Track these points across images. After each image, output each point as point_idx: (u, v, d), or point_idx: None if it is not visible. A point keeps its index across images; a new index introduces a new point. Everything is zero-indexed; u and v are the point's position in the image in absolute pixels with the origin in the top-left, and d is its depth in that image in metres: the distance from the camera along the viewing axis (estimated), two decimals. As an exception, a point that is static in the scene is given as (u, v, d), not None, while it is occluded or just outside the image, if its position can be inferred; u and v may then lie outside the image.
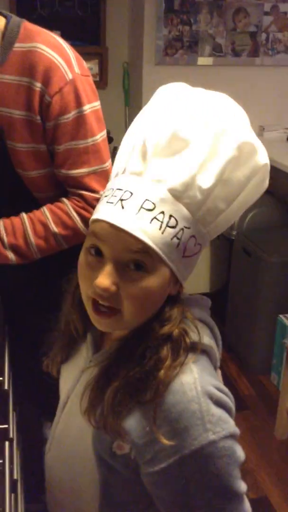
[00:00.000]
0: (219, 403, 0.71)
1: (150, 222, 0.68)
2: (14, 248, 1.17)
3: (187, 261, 0.72)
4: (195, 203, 0.70)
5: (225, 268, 2.81)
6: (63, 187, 1.25)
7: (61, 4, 2.60)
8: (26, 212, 1.24)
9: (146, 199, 0.68)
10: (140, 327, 0.75)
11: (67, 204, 1.20)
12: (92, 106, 1.17)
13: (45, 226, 1.18)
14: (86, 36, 2.68)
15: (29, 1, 2.57)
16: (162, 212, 0.68)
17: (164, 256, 0.69)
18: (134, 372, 0.72)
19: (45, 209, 1.19)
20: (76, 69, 1.14)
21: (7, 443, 1.09)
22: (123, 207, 0.68)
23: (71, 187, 1.21)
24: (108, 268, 0.69)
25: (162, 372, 0.70)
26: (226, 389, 0.75)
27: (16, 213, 1.26)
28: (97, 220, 0.71)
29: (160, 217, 0.68)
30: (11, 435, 1.18)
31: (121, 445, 0.75)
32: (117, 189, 0.71)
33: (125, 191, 0.70)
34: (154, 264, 0.69)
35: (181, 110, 0.72)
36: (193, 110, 0.72)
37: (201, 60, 2.69)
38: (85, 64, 1.21)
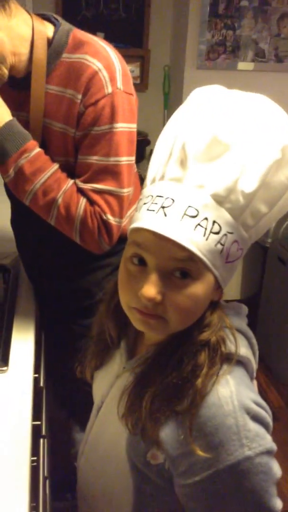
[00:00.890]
0: (256, 418, 0.70)
1: (195, 229, 0.66)
2: (20, 173, 1.12)
3: (229, 266, 0.71)
4: (238, 208, 0.68)
5: (258, 276, 2.78)
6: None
7: (106, 6, 2.62)
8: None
9: (189, 206, 0.66)
10: (177, 333, 0.74)
11: (82, 201, 1.14)
12: (126, 126, 1.12)
13: (56, 189, 1.13)
14: (129, 38, 2.69)
15: (75, 2, 2.59)
16: (206, 218, 0.66)
17: (209, 263, 0.67)
18: (172, 377, 0.71)
19: (70, 183, 1.14)
20: (119, 84, 1.10)
21: (41, 440, 1.09)
22: (165, 215, 0.67)
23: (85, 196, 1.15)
24: (153, 277, 0.68)
25: (199, 380, 0.69)
26: (264, 403, 0.73)
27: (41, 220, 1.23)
28: (139, 229, 0.69)
29: (203, 223, 0.66)
30: (43, 432, 1.18)
31: (156, 455, 0.74)
32: (157, 196, 0.69)
33: (166, 198, 0.68)
34: (199, 271, 0.68)
35: (220, 112, 0.69)
36: (232, 113, 0.69)
37: (242, 65, 2.67)
38: (131, 83, 1.15)
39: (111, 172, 1.12)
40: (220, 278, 0.70)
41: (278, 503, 0.71)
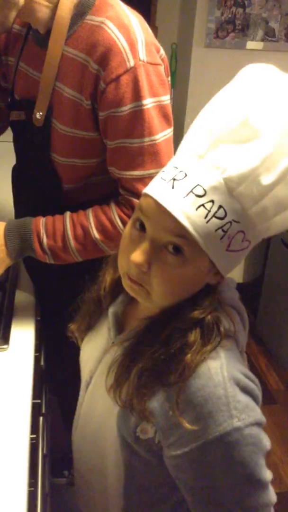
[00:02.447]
0: (246, 390, 0.70)
1: (196, 209, 0.65)
2: (53, 250, 1.14)
3: (231, 255, 0.69)
4: (251, 198, 0.66)
5: (261, 259, 2.77)
6: (91, 181, 1.19)
7: (114, -19, 2.56)
8: (50, 199, 1.20)
9: (198, 184, 0.65)
10: (169, 309, 0.74)
11: (114, 211, 1.11)
12: (156, 100, 1.03)
13: (86, 230, 1.12)
14: (136, 14, 2.63)
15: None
16: (212, 201, 0.65)
17: (203, 245, 0.66)
18: (159, 353, 0.71)
19: (90, 213, 1.13)
20: (142, 55, 1.00)
21: (41, 418, 1.10)
22: (173, 187, 0.66)
23: (123, 189, 1.12)
24: (145, 245, 0.69)
25: (188, 356, 0.69)
26: (253, 376, 0.74)
27: (41, 198, 1.22)
28: (146, 195, 0.70)
29: (208, 205, 0.65)
30: (43, 411, 1.19)
31: (146, 429, 0.75)
32: (174, 167, 0.69)
33: (180, 171, 0.67)
34: (193, 251, 0.67)
35: (260, 96, 0.66)
36: (272, 98, 0.65)
37: (251, 44, 2.61)
38: (159, 52, 1.08)
39: (149, 154, 1.05)
40: (219, 265, 0.69)
41: (268, 474, 0.72)
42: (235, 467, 0.68)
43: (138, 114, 1.02)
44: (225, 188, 0.65)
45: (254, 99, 0.66)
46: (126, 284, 0.74)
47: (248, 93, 0.67)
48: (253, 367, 2.48)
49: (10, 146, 1.30)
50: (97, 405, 0.85)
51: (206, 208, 0.65)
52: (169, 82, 1.12)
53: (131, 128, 1.03)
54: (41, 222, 1.14)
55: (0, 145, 1.57)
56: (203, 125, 0.69)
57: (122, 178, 1.10)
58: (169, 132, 1.09)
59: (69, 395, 1.03)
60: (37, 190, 1.24)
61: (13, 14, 1.00)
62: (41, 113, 1.09)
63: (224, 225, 0.66)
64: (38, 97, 1.09)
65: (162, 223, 0.67)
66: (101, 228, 1.12)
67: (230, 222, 0.66)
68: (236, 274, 3.01)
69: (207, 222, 0.65)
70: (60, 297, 1.36)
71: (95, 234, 1.12)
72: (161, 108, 1.05)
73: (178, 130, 2.40)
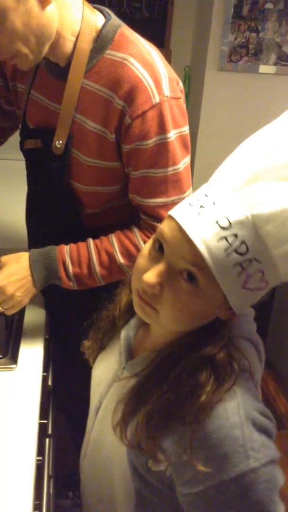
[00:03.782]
0: (261, 429, 0.69)
1: (218, 241, 0.63)
2: (78, 277, 1.15)
3: (246, 293, 0.67)
4: (276, 240, 0.63)
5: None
6: (111, 205, 1.20)
7: (129, 5, 2.62)
8: (67, 223, 1.21)
9: (224, 216, 0.64)
10: (179, 343, 0.73)
11: (137, 236, 1.14)
12: (178, 131, 1.07)
13: (111, 256, 1.14)
14: (150, 38, 2.65)
15: (98, 0, 2.58)
16: (235, 235, 0.63)
17: (218, 277, 0.65)
18: (169, 394, 0.70)
19: (113, 238, 1.15)
20: (166, 91, 1.03)
21: (47, 440, 1.10)
22: (199, 214, 0.65)
23: (145, 215, 1.14)
24: (160, 267, 0.68)
25: (203, 397, 0.67)
26: (269, 412, 0.72)
27: (58, 222, 1.23)
28: (170, 217, 0.69)
29: (231, 239, 0.63)
30: (49, 431, 1.19)
31: (157, 462, 0.73)
32: (204, 194, 0.67)
33: (209, 200, 0.66)
34: (207, 283, 0.66)
35: None
36: None
37: (263, 68, 2.64)
38: (179, 85, 1.11)
39: (172, 182, 1.09)
40: (231, 300, 0.67)
41: (281, 508, 0.70)
42: (250, 506, 0.67)
43: (162, 146, 1.05)
44: (252, 224, 0.63)
45: None
46: (135, 301, 0.73)
47: None
48: (262, 391, 2.44)
49: (12, 164, 1.31)
50: (107, 433, 0.83)
51: (228, 241, 0.63)
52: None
53: (155, 159, 1.06)
54: (66, 250, 1.15)
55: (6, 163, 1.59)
56: (244, 159, 0.68)
57: (145, 205, 1.12)
58: (188, 159, 1.13)
59: (77, 412, 1.03)
60: (56, 215, 1.25)
61: (46, 49, 1.02)
62: (60, 142, 1.11)
63: (244, 261, 0.64)
64: (58, 127, 1.11)
65: (180, 249, 0.66)
66: (126, 253, 1.14)
67: (251, 260, 0.64)
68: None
69: (227, 256, 0.64)
70: (70, 312, 1.36)
71: (120, 259, 1.14)
72: (182, 138, 1.09)
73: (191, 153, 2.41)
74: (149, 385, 0.73)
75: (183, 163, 1.10)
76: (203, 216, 0.65)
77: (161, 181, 1.08)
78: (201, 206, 0.66)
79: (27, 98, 1.20)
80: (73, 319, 1.38)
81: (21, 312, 1.32)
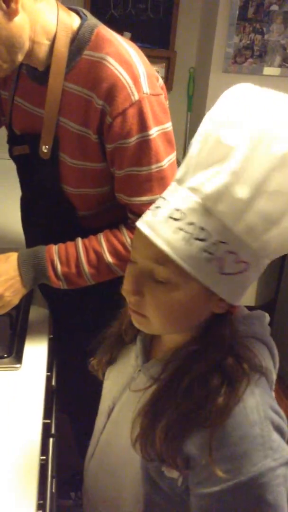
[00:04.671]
0: (278, 428, 0.69)
1: (175, 233, 0.64)
2: (67, 277, 1.16)
3: (229, 278, 0.66)
4: (231, 215, 0.63)
5: (275, 281, 2.75)
6: (105, 206, 1.21)
7: (134, 6, 2.62)
8: (64, 225, 1.21)
9: (175, 208, 0.65)
10: (186, 350, 0.73)
11: (125, 235, 1.14)
12: (160, 128, 1.07)
13: (99, 255, 1.14)
14: (155, 39, 2.68)
15: (104, 1, 2.59)
16: (192, 223, 0.64)
17: (189, 268, 0.64)
18: (184, 406, 0.70)
19: (102, 237, 1.16)
20: (145, 89, 1.03)
21: (51, 440, 1.10)
22: (155, 215, 0.67)
23: (132, 214, 1.14)
24: (133, 273, 0.70)
25: (220, 399, 0.67)
26: (282, 412, 0.72)
27: (55, 224, 1.24)
28: (137, 225, 0.71)
29: (188, 228, 0.64)
30: (53, 431, 1.19)
31: (172, 468, 0.73)
32: (162, 196, 0.69)
33: (163, 199, 0.68)
34: (180, 276, 0.66)
35: (231, 113, 0.64)
36: (243, 113, 0.64)
37: (268, 70, 2.64)
38: (158, 81, 1.11)
39: (156, 179, 1.09)
40: (216, 289, 0.66)
41: None
42: (264, 509, 0.66)
43: (145, 144, 1.05)
44: (204, 208, 0.64)
45: (226, 118, 0.65)
46: (130, 314, 0.75)
47: (221, 113, 0.66)
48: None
49: (10, 163, 1.31)
50: (121, 434, 0.82)
51: (186, 231, 0.64)
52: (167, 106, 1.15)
53: (138, 157, 1.06)
54: (54, 250, 1.15)
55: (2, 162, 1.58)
56: (188, 153, 0.69)
57: (131, 203, 1.12)
58: (173, 156, 1.12)
59: (81, 414, 1.03)
60: (52, 218, 1.25)
61: (19, 58, 1.03)
62: (47, 146, 1.12)
63: (209, 246, 0.64)
64: (43, 132, 1.11)
65: (145, 251, 0.68)
66: (114, 251, 1.14)
67: (215, 243, 0.64)
68: (248, 297, 2.99)
69: (189, 245, 0.64)
70: (74, 312, 1.38)
71: (108, 258, 1.14)
72: (165, 135, 1.09)
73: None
74: (163, 400, 0.73)
75: (168, 160, 1.09)
76: (158, 215, 0.67)
77: (145, 179, 1.08)
78: (157, 207, 0.68)
79: (11, 105, 1.21)
80: (76, 319, 1.39)
81: (26, 312, 1.32)
